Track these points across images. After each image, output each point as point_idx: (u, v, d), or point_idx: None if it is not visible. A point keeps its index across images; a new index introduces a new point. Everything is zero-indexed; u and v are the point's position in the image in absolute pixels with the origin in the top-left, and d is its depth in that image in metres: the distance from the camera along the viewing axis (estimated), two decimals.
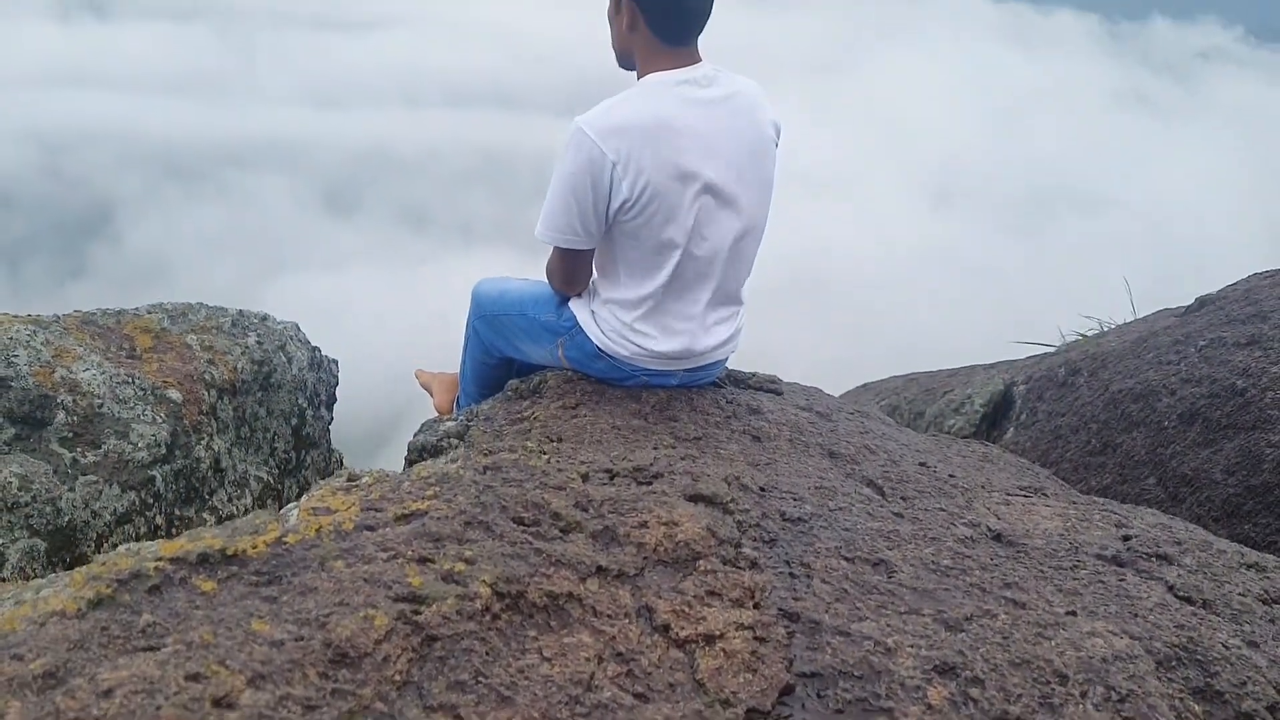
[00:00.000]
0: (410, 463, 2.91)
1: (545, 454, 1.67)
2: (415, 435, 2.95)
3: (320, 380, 3.04)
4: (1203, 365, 3.64)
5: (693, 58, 2.58)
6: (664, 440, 2.44)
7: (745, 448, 2.52)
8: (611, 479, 1.54)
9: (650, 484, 1.54)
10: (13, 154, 76.92)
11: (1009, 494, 2.19)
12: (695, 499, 1.49)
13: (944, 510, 1.84)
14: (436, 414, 3.55)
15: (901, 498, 2.19)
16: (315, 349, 3.04)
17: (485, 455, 1.60)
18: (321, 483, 1.42)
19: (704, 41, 2.65)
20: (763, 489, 1.70)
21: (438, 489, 1.33)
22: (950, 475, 2.55)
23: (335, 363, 3.33)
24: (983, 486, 2.42)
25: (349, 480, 1.42)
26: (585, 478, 1.50)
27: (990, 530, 1.67)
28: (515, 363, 3.12)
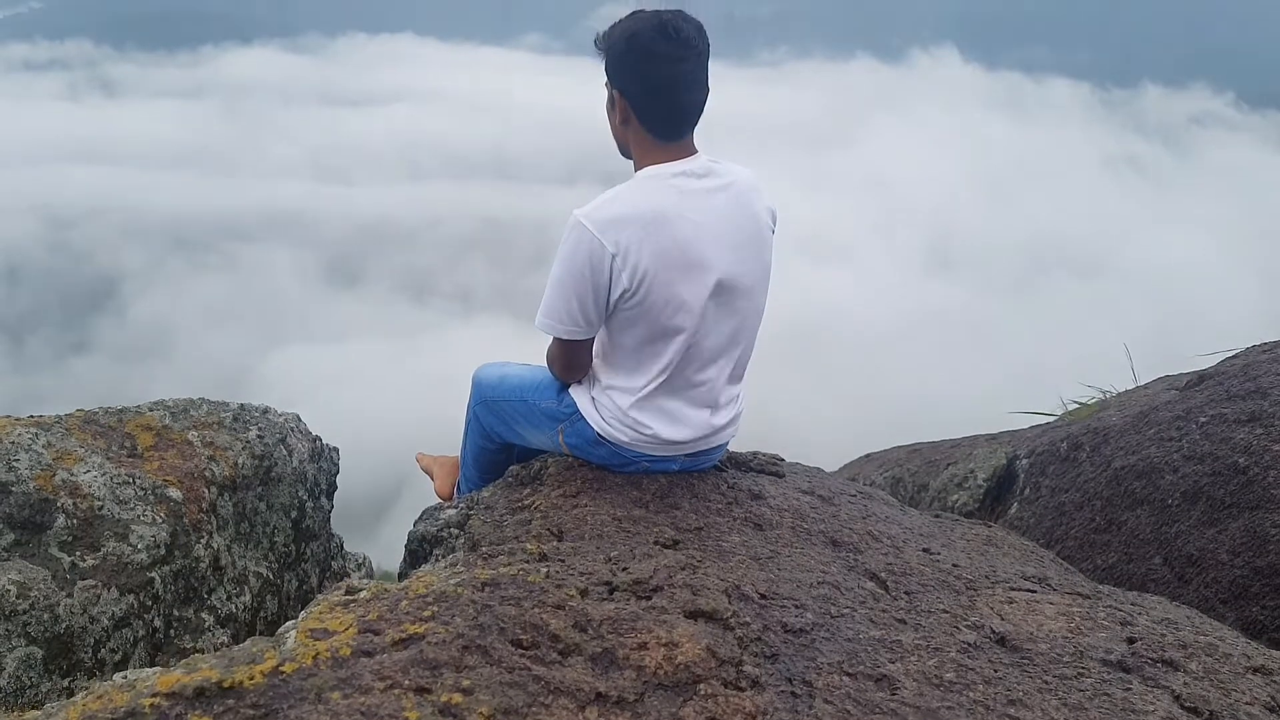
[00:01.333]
0: (411, 552, 2.90)
1: (545, 561, 1.66)
2: (416, 524, 2.95)
3: (321, 470, 3.04)
4: (1204, 442, 3.63)
5: (687, 150, 2.64)
6: (665, 534, 2.43)
7: (747, 539, 2.51)
8: (611, 593, 1.53)
9: (650, 598, 1.53)
10: (21, 229, 77.80)
11: (1013, 587, 2.17)
12: (695, 615, 1.48)
13: (947, 611, 1.82)
14: (437, 498, 3.56)
15: (905, 592, 2.17)
16: (316, 439, 3.05)
17: (485, 564, 1.60)
18: (320, 597, 1.41)
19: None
20: (764, 596, 1.69)
21: (436, 608, 1.33)
22: (954, 564, 2.53)
23: (336, 450, 3.34)
24: (987, 577, 2.41)
25: (347, 594, 1.41)
26: (584, 593, 1.50)
27: (994, 633, 1.66)
28: (516, 448, 3.14)
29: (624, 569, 1.66)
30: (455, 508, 2.93)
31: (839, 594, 1.86)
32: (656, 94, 2.54)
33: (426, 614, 1.31)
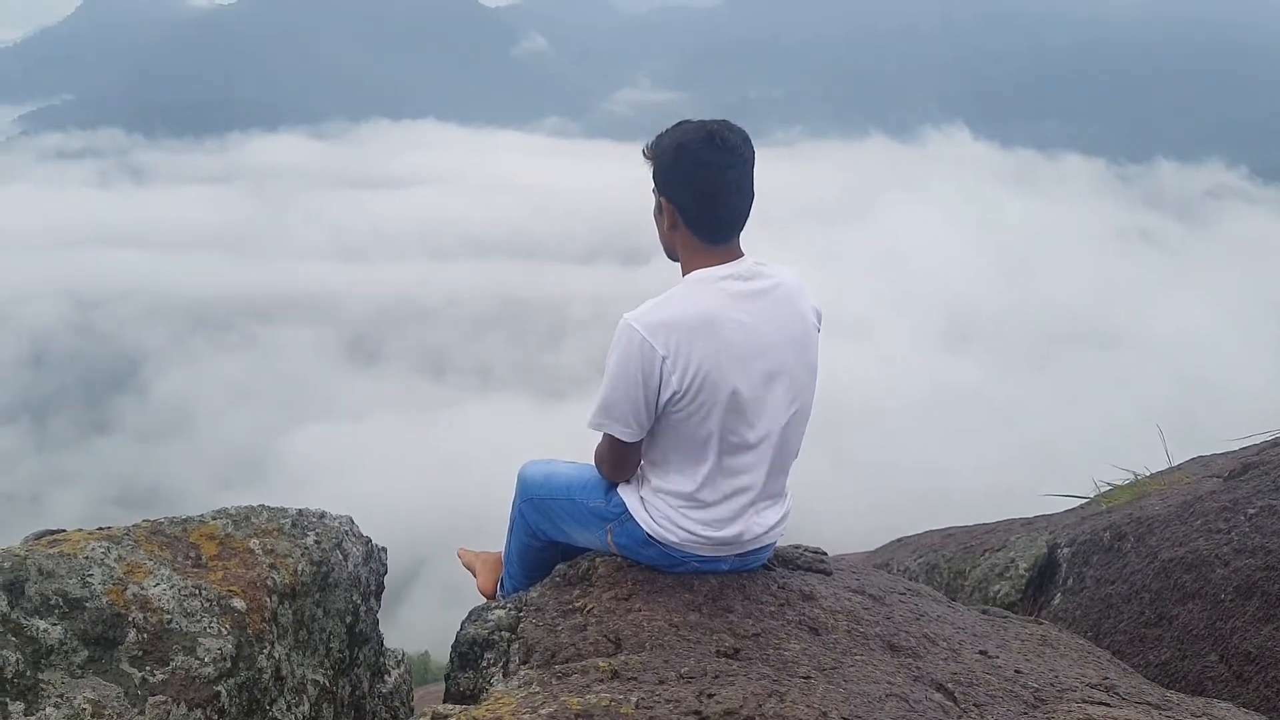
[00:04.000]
0: (460, 655, 2.88)
1: (617, 679, 1.66)
2: (464, 625, 2.93)
3: (371, 572, 3.05)
4: (1255, 535, 3.60)
5: (734, 253, 2.70)
6: (725, 641, 2.42)
7: (807, 646, 2.50)
8: None
9: None
10: (47, 312, 79.23)
11: (1083, 698, 2.14)
12: None
13: None
14: (480, 595, 3.54)
15: (974, 705, 2.15)
16: (368, 541, 3.06)
17: (560, 683, 1.60)
18: None
19: None
20: None
21: None
22: (1016, 670, 2.51)
23: (384, 550, 3.34)
24: (1052, 684, 2.38)
25: None
26: None
27: None
28: (561, 545, 3.14)
29: (711, 695, 1.66)
30: (504, 608, 2.92)
31: (911, 710, 1.84)
32: (704, 200, 2.62)
33: None
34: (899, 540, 6.03)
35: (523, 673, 1.85)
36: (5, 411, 67.43)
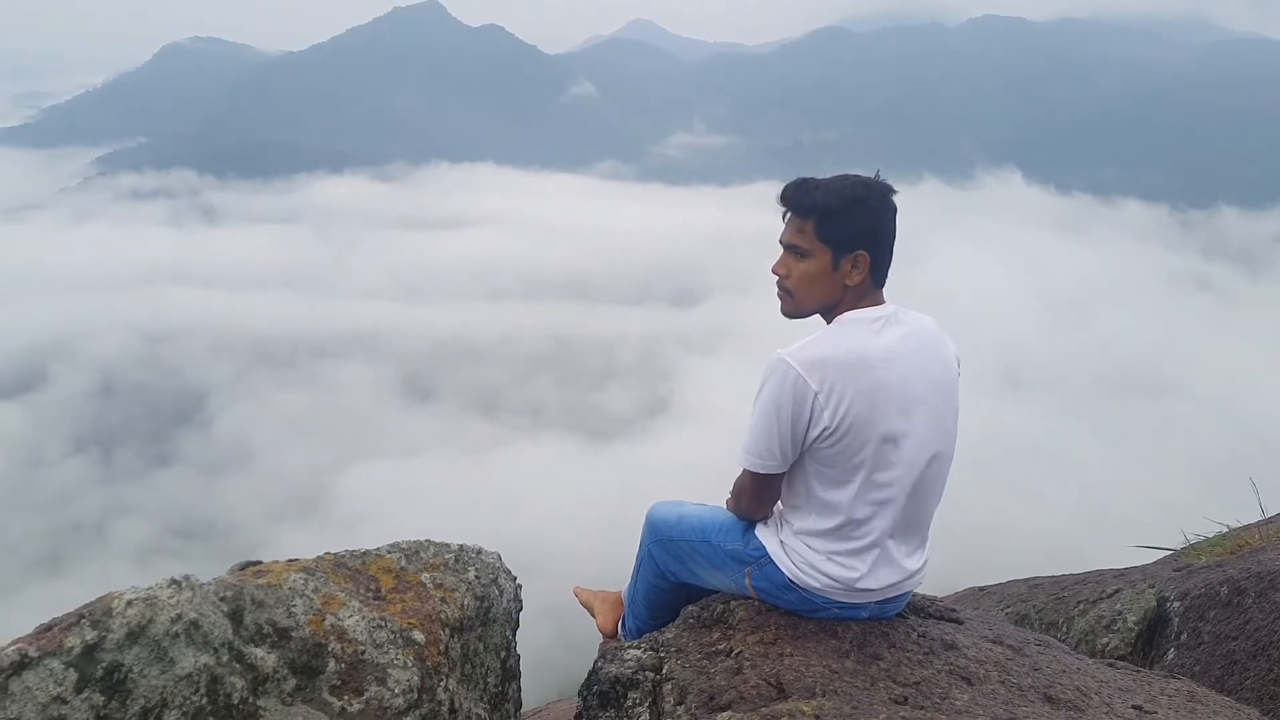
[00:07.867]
0: (601, 694, 2.91)
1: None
2: (601, 664, 2.95)
3: (516, 608, 3.11)
4: None
5: (880, 298, 2.75)
6: (892, 689, 2.44)
7: (972, 696, 2.50)
8: None
9: None
10: (117, 346, 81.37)
11: None
12: None
13: None
14: (600, 634, 3.56)
15: None
16: (514, 576, 3.12)
17: None
18: None
19: None
20: None
21: None
22: None
23: (520, 586, 3.40)
24: None
25: None
26: None
27: None
28: (689, 587, 3.16)
29: None
30: (638, 648, 2.94)
31: None
32: (889, 247, 2.70)
33: None
34: (980, 589, 5.95)
35: (731, 717, 1.88)
36: (75, 442, 69.26)
